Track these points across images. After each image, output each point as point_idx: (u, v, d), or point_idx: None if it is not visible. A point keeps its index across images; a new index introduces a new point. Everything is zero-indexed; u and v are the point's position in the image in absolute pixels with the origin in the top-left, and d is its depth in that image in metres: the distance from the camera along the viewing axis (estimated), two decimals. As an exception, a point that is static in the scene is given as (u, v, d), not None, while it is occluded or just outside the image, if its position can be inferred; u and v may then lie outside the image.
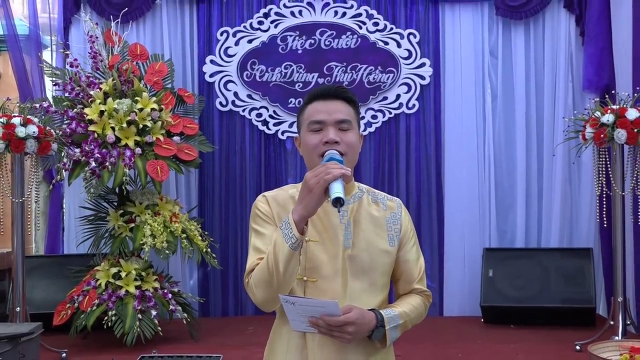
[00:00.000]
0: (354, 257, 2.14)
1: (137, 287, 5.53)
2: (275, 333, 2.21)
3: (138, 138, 5.63)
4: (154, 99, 5.77)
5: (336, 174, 1.93)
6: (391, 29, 6.80)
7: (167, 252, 5.60)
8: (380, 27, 6.80)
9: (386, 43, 6.79)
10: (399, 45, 6.79)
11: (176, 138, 5.84)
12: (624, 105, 5.28)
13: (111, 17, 6.29)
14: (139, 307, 5.44)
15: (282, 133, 6.78)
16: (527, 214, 6.78)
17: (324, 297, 2.05)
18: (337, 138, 2.11)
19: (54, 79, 6.03)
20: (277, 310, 2.17)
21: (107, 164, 5.46)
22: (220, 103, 6.79)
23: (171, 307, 5.61)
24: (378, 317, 2.07)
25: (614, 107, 5.32)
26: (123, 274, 5.56)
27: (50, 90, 6.40)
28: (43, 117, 5.43)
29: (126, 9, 6.45)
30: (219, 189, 6.83)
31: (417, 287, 2.28)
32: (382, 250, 2.18)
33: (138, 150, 5.59)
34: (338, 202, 1.89)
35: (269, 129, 6.78)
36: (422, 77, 6.79)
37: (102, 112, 5.55)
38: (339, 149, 2.10)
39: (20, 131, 5.07)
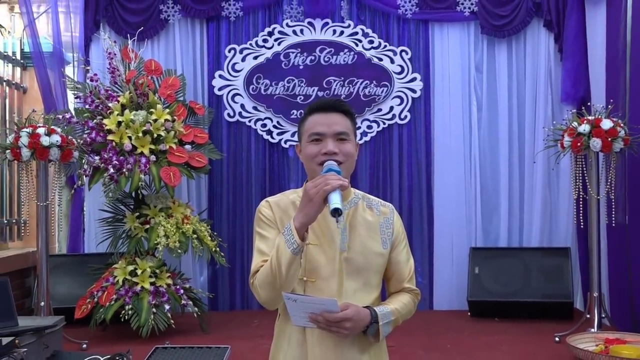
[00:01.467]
0: (350, 259, 2.13)
1: (151, 284, 5.53)
2: (279, 331, 2.20)
3: (153, 146, 5.63)
4: (168, 110, 5.77)
5: (335, 185, 1.92)
6: (385, 46, 6.80)
7: (179, 251, 5.60)
8: (375, 44, 6.80)
9: (380, 59, 6.79)
10: (392, 61, 6.79)
11: (187, 146, 5.85)
12: (599, 116, 5.28)
13: (128, 35, 6.30)
14: (153, 302, 5.45)
15: (285, 142, 6.78)
16: (510, 215, 6.78)
17: (322, 296, 2.05)
18: (335, 149, 2.10)
19: (75, 92, 6.05)
20: (280, 309, 2.17)
21: (124, 170, 5.47)
22: (228, 114, 6.79)
23: (183, 301, 5.61)
24: (372, 314, 2.07)
25: (590, 117, 5.32)
26: (139, 271, 5.56)
27: (72, 103, 6.39)
28: (65, 127, 5.44)
29: (142, 28, 6.47)
30: (226, 193, 6.83)
31: (407, 286, 2.27)
32: (376, 253, 2.17)
33: (153, 157, 5.60)
34: (336, 213, 1.89)
35: (272, 138, 6.78)
36: (413, 91, 6.79)
37: (119, 123, 5.56)
38: (337, 159, 2.09)
39: (45, 140, 5.08)
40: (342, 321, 1.97)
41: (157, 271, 5.65)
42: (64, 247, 6.71)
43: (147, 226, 5.67)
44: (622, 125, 5.21)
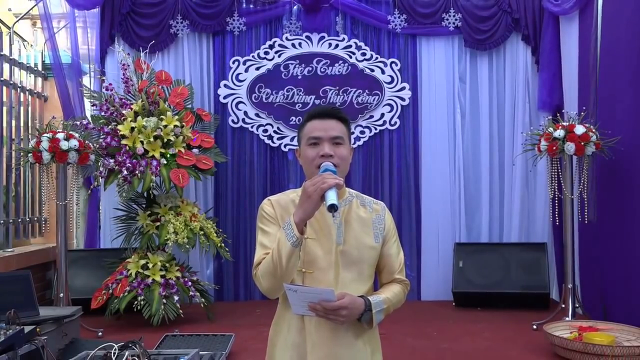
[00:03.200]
0: (345, 252, 2.12)
1: (162, 276, 5.52)
2: (279, 317, 2.19)
3: (163, 150, 5.63)
4: (177, 117, 5.76)
5: (331, 184, 1.91)
6: (376, 58, 6.81)
7: (187, 246, 5.60)
8: (367, 56, 6.80)
9: (372, 70, 6.79)
10: (383, 72, 6.80)
11: (195, 150, 5.83)
12: (573, 122, 5.29)
13: (140, 48, 6.32)
14: (163, 293, 5.43)
15: (285, 146, 6.77)
16: (491, 213, 6.79)
17: (320, 286, 2.03)
18: (331, 152, 2.10)
19: (92, 100, 6.05)
20: (280, 297, 2.16)
21: (137, 172, 5.46)
22: (232, 121, 6.78)
23: (191, 293, 5.60)
24: (366, 303, 2.05)
25: (564, 123, 5.33)
26: (150, 265, 5.55)
27: (89, 110, 6.39)
28: (83, 132, 5.43)
29: (153, 41, 6.47)
30: (231, 193, 6.82)
31: (397, 277, 2.26)
32: (368, 246, 2.16)
33: (163, 160, 5.59)
34: (332, 208, 1.88)
35: (273, 142, 6.78)
36: (402, 99, 6.79)
37: (132, 129, 5.55)
38: (332, 161, 2.08)
39: (64, 144, 5.07)
40: (338, 309, 1.96)
41: (167, 265, 5.64)
42: (81, 242, 6.70)
43: (158, 223, 5.66)
44: (593, 130, 5.22)
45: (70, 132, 5.19)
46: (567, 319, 5.24)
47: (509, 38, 6.77)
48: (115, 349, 2.96)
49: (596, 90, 5.53)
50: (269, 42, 6.83)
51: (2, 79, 5.91)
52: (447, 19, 6.73)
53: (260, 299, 6.54)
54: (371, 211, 2.23)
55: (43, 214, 6.40)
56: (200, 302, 5.66)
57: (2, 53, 5.93)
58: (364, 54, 6.81)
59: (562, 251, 5.75)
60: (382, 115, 6.80)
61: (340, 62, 6.79)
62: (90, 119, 5.95)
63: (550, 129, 5.35)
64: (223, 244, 5.92)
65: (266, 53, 6.81)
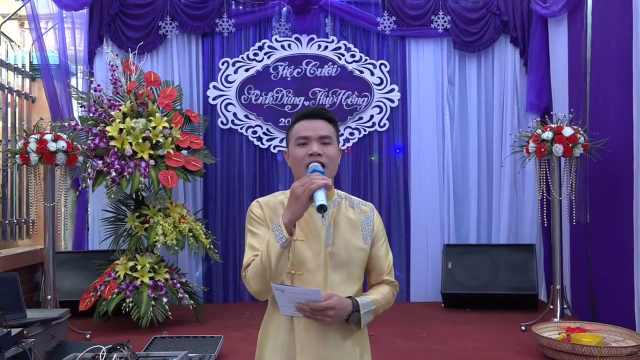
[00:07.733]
0: (334, 253, 2.12)
1: (150, 278, 5.51)
2: (268, 319, 2.19)
3: (152, 152, 5.61)
4: (166, 118, 5.75)
5: (319, 184, 1.91)
6: (365, 60, 6.82)
7: (176, 248, 5.58)
8: (357, 58, 6.81)
9: (361, 72, 6.80)
10: (372, 74, 6.81)
11: (184, 152, 5.82)
12: (561, 124, 5.31)
13: (129, 49, 6.30)
14: (152, 295, 5.41)
15: (274, 147, 6.77)
16: (479, 215, 6.82)
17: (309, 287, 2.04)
18: (319, 151, 2.10)
19: (80, 101, 6.02)
20: (269, 299, 2.15)
21: (125, 173, 5.44)
22: (222, 122, 6.77)
23: (180, 295, 5.58)
24: (354, 304, 2.06)
25: (552, 125, 5.35)
26: (139, 267, 5.53)
27: (77, 111, 6.36)
28: (71, 134, 5.40)
29: (142, 42, 6.46)
30: (220, 195, 6.81)
31: (386, 279, 2.26)
32: (357, 248, 2.17)
33: (152, 162, 5.57)
34: (322, 209, 1.88)
35: (262, 144, 6.77)
36: (391, 101, 6.80)
37: (121, 130, 5.54)
38: (321, 160, 2.08)
39: (52, 146, 5.04)
40: (325, 309, 1.96)
41: (156, 267, 5.62)
42: (69, 244, 6.67)
43: (147, 225, 5.64)
44: (582, 132, 5.25)
45: (58, 134, 5.16)
46: (555, 320, 5.26)
47: (498, 40, 6.81)
48: (103, 352, 2.95)
49: (587, 92, 5.57)
50: (258, 44, 6.82)
51: (-11, 79, 5.88)
52: (436, 21, 6.76)
53: (250, 301, 6.53)
54: (360, 212, 2.23)
55: (31, 215, 6.36)
56: (189, 304, 5.64)
57: (-11, 54, 5.90)
58: (353, 56, 6.82)
59: (551, 252, 5.78)
60: (372, 117, 6.81)
61: (330, 63, 6.80)
62: (78, 120, 5.92)
63: (539, 131, 5.37)
64: (212, 246, 5.91)
65: (255, 54, 6.81)
